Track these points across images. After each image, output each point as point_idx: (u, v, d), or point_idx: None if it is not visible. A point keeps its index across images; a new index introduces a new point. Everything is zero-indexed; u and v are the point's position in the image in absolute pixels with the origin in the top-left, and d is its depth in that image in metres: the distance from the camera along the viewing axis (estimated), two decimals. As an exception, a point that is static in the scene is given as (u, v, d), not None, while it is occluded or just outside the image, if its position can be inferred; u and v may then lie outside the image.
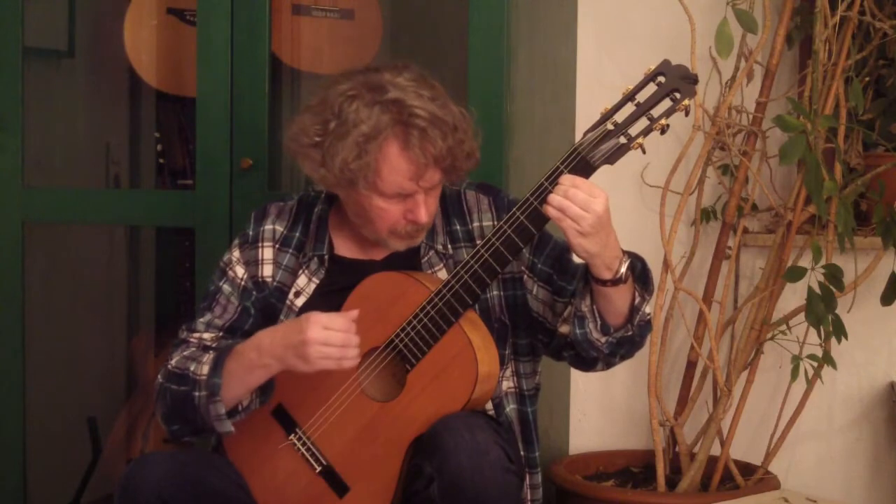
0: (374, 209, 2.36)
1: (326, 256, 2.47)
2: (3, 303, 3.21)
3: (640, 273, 2.31)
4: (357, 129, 2.30)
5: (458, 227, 2.46)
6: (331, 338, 2.25)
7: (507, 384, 2.47)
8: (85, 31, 3.63)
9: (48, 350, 3.44)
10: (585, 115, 3.28)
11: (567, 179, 2.19)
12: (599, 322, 2.29)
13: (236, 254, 2.52)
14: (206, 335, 2.48)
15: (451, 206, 2.47)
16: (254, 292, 2.49)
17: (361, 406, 2.34)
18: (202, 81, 3.06)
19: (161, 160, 3.73)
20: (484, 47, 2.85)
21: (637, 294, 2.30)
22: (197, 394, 2.35)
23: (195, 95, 3.07)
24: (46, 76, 3.54)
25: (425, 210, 2.36)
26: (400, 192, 2.34)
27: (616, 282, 2.24)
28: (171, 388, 2.41)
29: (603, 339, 2.31)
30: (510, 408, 2.47)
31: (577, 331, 2.31)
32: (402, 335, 2.31)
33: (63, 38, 3.59)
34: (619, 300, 2.28)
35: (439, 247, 2.45)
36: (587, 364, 2.43)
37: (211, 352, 2.41)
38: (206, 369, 2.35)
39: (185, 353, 2.45)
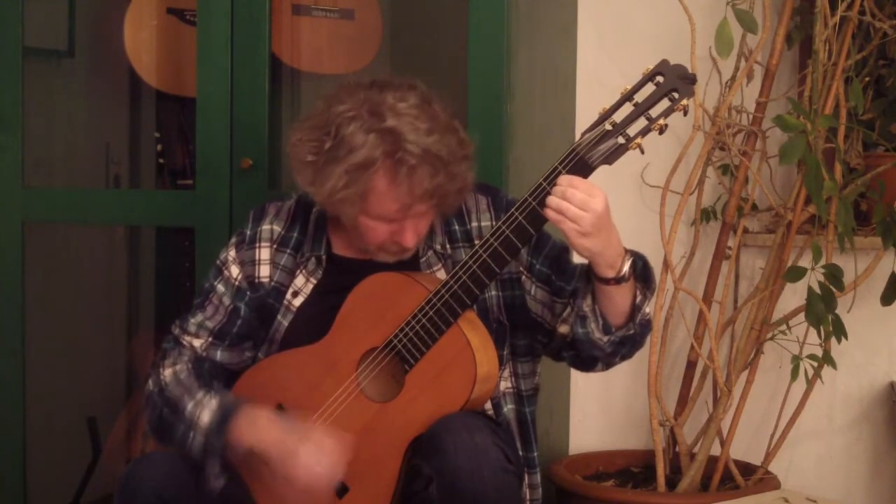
0: (362, 226, 2.37)
1: (324, 256, 2.47)
2: (3, 303, 3.22)
3: (641, 271, 2.30)
4: (350, 156, 2.28)
5: (457, 228, 2.46)
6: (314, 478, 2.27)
7: (505, 385, 2.47)
8: (85, 31, 3.63)
9: (48, 350, 3.44)
10: (585, 116, 3.27)
11: (564, 180, 2.19)
12: (601, 322, 2.29)
13: (232, 253, 2.52)
14: (197, 342, 2.49)
15: (449, 206, 2.47)
16: (248, 292, 2.49)
17: (360, 406, 2.34)
18: (202, 81, 3.06)
19: (161, 160, 3.73)
20: (484, 47, 2.84)
21: (639, 292, 2.30)
22: (192, 434, 2.35)
23: (195, 95, 3.07)
24: (46, 76, 3.54)
25: (412, 234, 2.35)
26: (386, 218, 2.34)
27: (619, 280, 2.24)
28: (163, 410, 2.42)
29: (605, 339, 2.31)
30: (508, 408, 2.47)
31: (580, 331, 2.31)
32: (401, 335, 2.31)
33: (63, 38, 3.59)
34: (621, 299, 2.28)
35: (438, 247, 2.45)
36: (587, 364, 2.43)
37: (212, 394, 2.39)
38: (206, 418, 2.35)
39: (177, 366, 2.46)
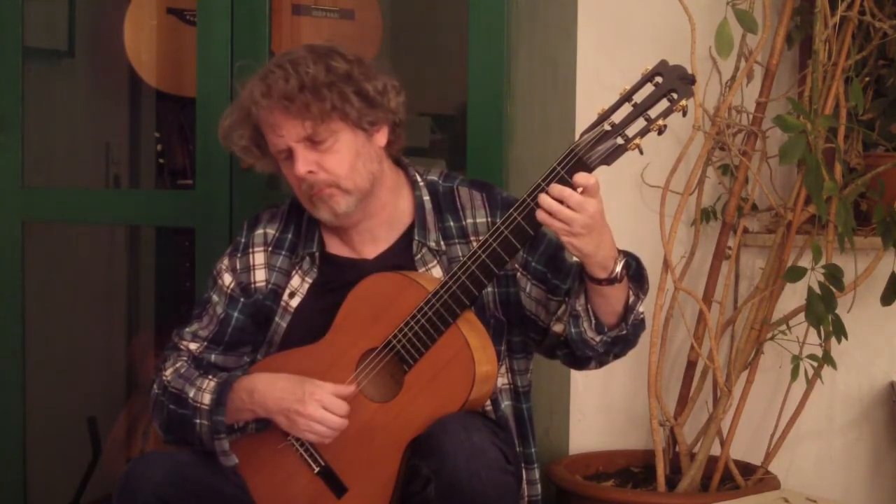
0: (283, 175, 2.43)
1: (317, 254, 2.48)
2: (3, 303, 3.22)
3: (634, 272, 2.31)
4: (241, 92, 2.41)
5: (452, 224, 2.46)
6: (325, 419, 2.31)
7: (502, 381, 2.47)
8: (85, 31, 3.64)
9: (48, 350, 3.45)
10: (585, 116, 3.25)
11: (556, 189, 2.18)
12: (594, 321, 2.30)
13: (226, 262, 2.54)
14: (192, 345, 2.52)
15: (443, 202, 2.47)
16: (241, 299, 2.51)
17: (359, 407, 2.34)
18: (202, 81, 3.06)
19: (161, 160, 3.74)
20: (484, 47, 2.84)
21: (632, 293, 2.30)
22: (198, 421, 2.40)
23: (195, 95, 3.07)
24: (46, 76, 3.55)
25: (301, 163, 2.35)
26: (276, 149, 2.39)
27: (611, 281, 2.24)
28: (170, 408, 2.45)
29: (598, 339, 2.31)
30: (505, 404, 2.47)
31: (572, 330, 2.31)
32: (400, 336, 2.31)
33: (63, 38, 3.59)
34: (613, 299, 2.28)
35: (432, 244, 2.44)
36: (580, 363, 2.44)
37: (209, 378, 2.44)
38: (207, 399, 2.40)
39: (177, 364, 2.49)
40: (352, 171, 2.37)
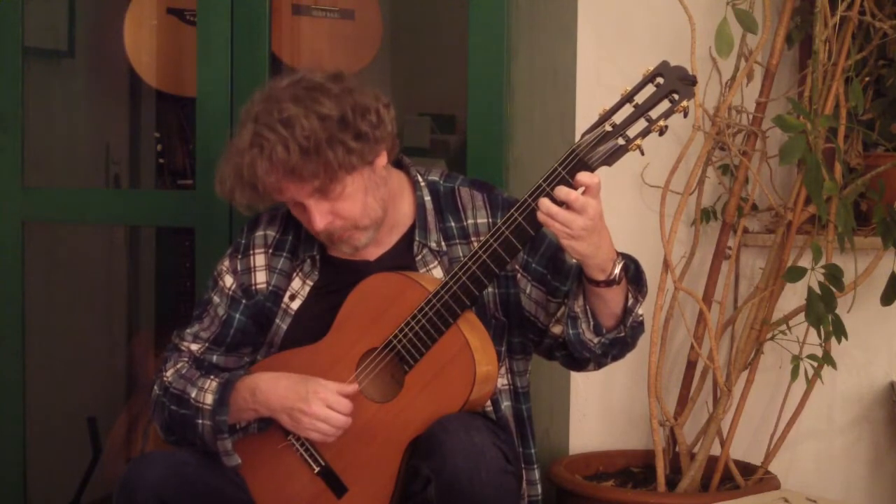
0: (294, 215, 2.41)
1: (317, 256, 2.48)
2: (3, 303, 3.22)
3: (633, 274, 2.31)
4: (235, 150, 2.33)
5: (453, 224, 2.46)
6: (330, 418, 2.31)
7: (502, 381, 2.47)
8: (85, 31, 3.64)
9: (48, 350, 3.45)
10: (585, 116, 3.28)
11: (562, 191, 2.18)
12: (592, 323, 2.30)
13: (226, 263, 2.54)
14: (194, 346, 2.52)
15: (444, 203, 2.47)
16: (243, 301, 2.51)
17: (360, 407, 2.34)
18: (202, 81, 3.05)
19: (161, 160, 3.73)
20: (484, 47, 2.84)
21: (630, 295, 2.30)
22: (200, 422, 2.40)
23: (195, 95, 3.07)
24: (46, 76, 3.54)
25: (318, 218, 2.34)
26: (289, 201, 2.36)
27: (610, 283, 2.24)
28: (171, 409, 2.45)
29: (595, 340, 2.31)
30: (505, 405, 2.47)
31: (570, 331, 2.31)
32: (401, 336, 2.31)
33: (63, 38, 3.59)
34: (612, 301, 2.28)
35: (433, 244, 2.44)
36: (579, 364, 2.44)
37: (211, 378, 2.44)
38: (209, 399, 2.39)
39: (178, 365, 2.49)
40: (365, 209, 2.37)
